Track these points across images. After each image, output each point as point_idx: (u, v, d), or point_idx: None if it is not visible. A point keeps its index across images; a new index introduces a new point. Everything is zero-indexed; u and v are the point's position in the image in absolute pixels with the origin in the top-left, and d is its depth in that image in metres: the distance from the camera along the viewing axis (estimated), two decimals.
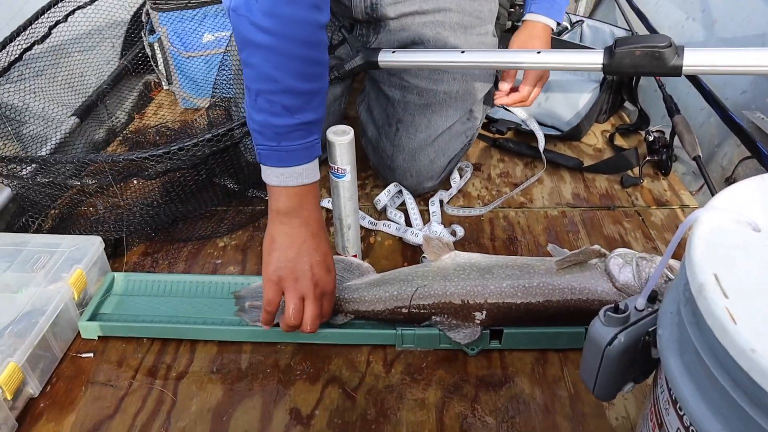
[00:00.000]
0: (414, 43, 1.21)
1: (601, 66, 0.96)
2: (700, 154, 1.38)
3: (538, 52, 1.00)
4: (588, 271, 0.95)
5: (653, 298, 0.59)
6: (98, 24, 1.77)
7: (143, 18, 1.94)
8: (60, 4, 1.58)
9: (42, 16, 1.54)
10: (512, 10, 2.18)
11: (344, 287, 1.01)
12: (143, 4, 1.92)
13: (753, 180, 0.56)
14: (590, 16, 2.23)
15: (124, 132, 1.83)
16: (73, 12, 1.63)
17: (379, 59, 1.08)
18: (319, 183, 0.91)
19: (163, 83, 1.99)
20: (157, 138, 1.72)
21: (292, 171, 0.85)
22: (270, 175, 0.86)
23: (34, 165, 1.23)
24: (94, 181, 1.22)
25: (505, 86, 1.31)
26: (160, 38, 1.86)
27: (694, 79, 1.44)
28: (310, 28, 0.80)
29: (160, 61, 1.91)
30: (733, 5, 1.68)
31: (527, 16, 1.32)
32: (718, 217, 0.51)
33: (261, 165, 0.87)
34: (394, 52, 1.08)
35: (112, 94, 1.87)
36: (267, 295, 0.88)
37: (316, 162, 0.89)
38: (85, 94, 1.78)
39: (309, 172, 0.87)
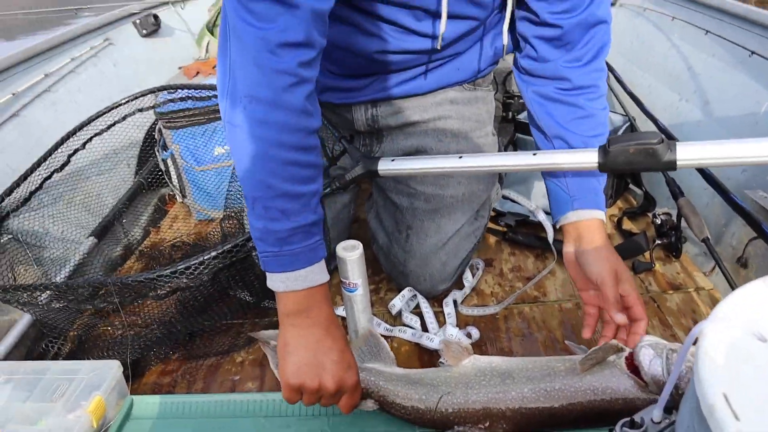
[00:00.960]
0: (417, 151, 1.25)
1: (596, 165, 0.98)
2: (709, 236, 1.38)
3: (534, 154, 1.03)
4: (608, 369, 0.93)
5: (670, 408, 0.58)
6: (114, 146, 1.85)
7: (156, 135, 2.03)
8: (78, 134, 1.66)
9: (61, 146, 1.62)
10: (511, 101, 2.26)
11: (373, 371, 1.01)
12: (155, 123, 2.01)
13: (756, 284, 0.56)
14: None
15: (140, 248, 1.87)
16: (90, 139, 1.70)
17: (379, 168, 1.12)
18: (328, 282, 0.91)
19: (177, 197, 2.05)
20: (173, 252, 1.75)
21: (297, 275, 0.85)
22: (275, 281, 0.86)
23: (49, 291, 1.26)
24: (104, 304, 1.24)
25: (619, 318, 0.98)
26: (172, 154, 1.93)
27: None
28: (301, 134, 0.84)
29: (173, 175, 1.98)
30: (724, 85, 1.73)
31: (573, 216, 1.08)
32: (723, 328, 0.51)
33: (267, 273, 0.88)
34: (393, 160, 1.11)
35: (128, 211, 1.93)
36: (286, 395, 0.87)
37: (322, 263, 0.89)
38: (101, 214, 1.84)
39: (314, 275, 0.87)
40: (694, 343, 0.53)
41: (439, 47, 1.08)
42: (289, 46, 0.80)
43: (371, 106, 1.25)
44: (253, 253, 1.22)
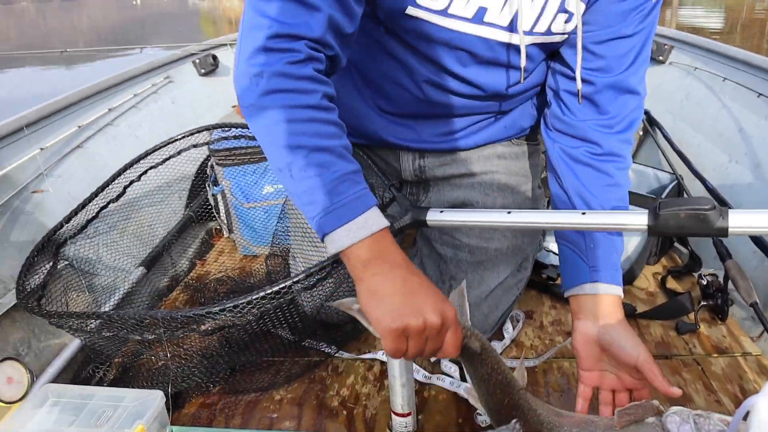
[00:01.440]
0: (463, 204, 1.27)
1: (646, 227, 0.98)
2: (757, 301, 1.35)
3: (583, 213, 1.03)
4: (644, 428, 0.92)
5: None
6: (167, 179, 1.92)
7: (208, 171, 2.10)
8: (135, 166, 1.74)
9: (119, 177, 1.69)
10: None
11: None
12: (208, 158, 2.08)
13: None
14: (633, 159, 2.29)
15: (186, 279, 1.92)
16: (146, 172, 1.78)
17: (427, 218, 1.13)
18: (390, 230, 0.86)
19: (224, 231, 2.10)
20: (218, 286, 1.79)
21: (357, 223, 0.81)
22: (338, 239, 0.81)
23: (99, 320, 1.31)
24: (153, 336, 1.27)
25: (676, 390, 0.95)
26: (223, 190, 1.99)
27: None
28: (315, 96, 0.84)
29: (222, 210, 2.04)
30: None
31: (590, 288, 1.05)
32: None
33: (326, 239, 0.83)
34: (442, 211, 1.13)
35: (176, 242, 1.99)
36: (390, 347, 0.79)
37: (377, 210, 0.84)
38: (152, 245, 1.90)
39: (374, 220, 0.82)
40: (745, 418, 0.53)
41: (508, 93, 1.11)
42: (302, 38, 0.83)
43: (419, 156, 1.27)
44: (299, 294, 1.24)
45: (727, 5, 18.88)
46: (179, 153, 1.89)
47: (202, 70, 2.64)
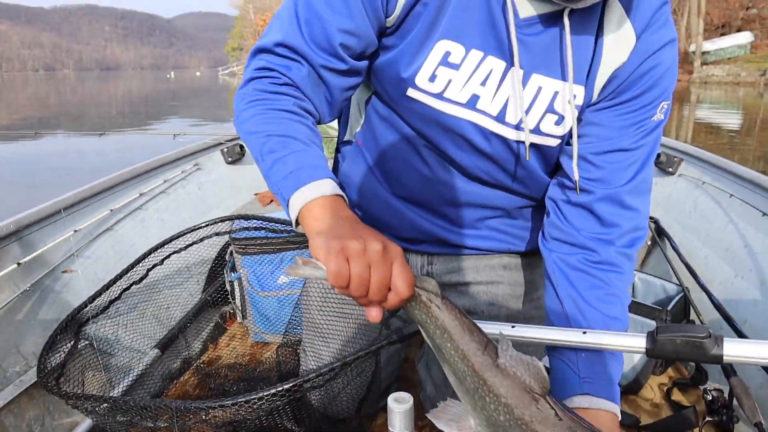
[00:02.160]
0: (469, 311, 1.32)
1: (644, 350, 1.02)
2: (762, 421, 1.36)
3: (584, 332, 1.07)
4: None
5: None
6: (188, 262, 2.00)
7: (227, 257, 2.18)
8: (159, 250, 1.82)
9: (143, 261, 1.77)
10: None
11: None
12: (228, 245, 2.16)
13: None
14: (641, 269, 2.34)
15: (198, 362, 1.96)
16: (168, 256, 1.85)
17: None
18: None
19: (238, 316, 2.15)
20: (228, 373, 1.83)
21: (311, 186, 0.84)
22: (295, 204, 0.84)
23: (106, 405, 1.34)
24: (165, 425, 1.31)
25: None
26: (240, 277, 2.06)
27: None
28: (287, 102, 0.95)
29: (237, 296, 2.10)
30: None
31: (582, 401, 0.98)
32: None
33: (289, 207, 0.85)
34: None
35: (191, 325, 2.04)
36: (333, 267, 0.75)
37: (333, 182, 0.86)
38: (168, 327, 1.96)
39: (328, 187, 0.84)
40: None
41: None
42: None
43: (428, 262, 1.33)
44: (308, 393, 1.28)
45: (745, 104, 19.26)
46: (201, 240, 1.97)
47: (229, 159, 2.77)
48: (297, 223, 0.84)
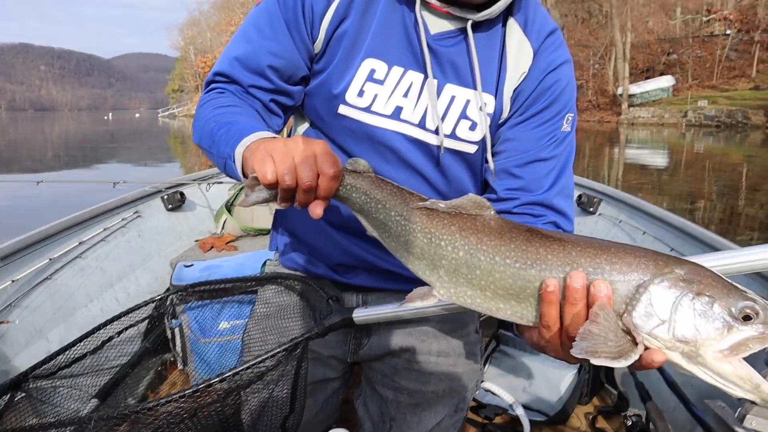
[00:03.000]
0: (400, 349, 1.39)
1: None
2: None
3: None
4: None
5: None
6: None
7: (167, 303, 2.19)
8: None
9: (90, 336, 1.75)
10: None
11: None
12: (168, 289, 2.18)
13: None
14: None
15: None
16: (110, 339, 1.85)
17: (354, 315, 1.22)
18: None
19: (179, 364, 2.16)
20: (169, 418, 1.83)
21: (250, 137, 0.91)
22: (239, 153, 0.91)
23: None
24: None
25: None
26: (181, 324, 2.08)
27: (660, 368, 1.60)
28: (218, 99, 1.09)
29: (178, 343, 2.11)
30: None
31: None
32: None
33: (235, 161, 0.92)
34: (366, 308, 1.23)
35: (131, 374, 2.04)
36: (258, 166, 0.82)
37: (269, 131, 0.94)
38: (108, 376, 1.95)
39: (264, 132, 0.92)
40: None
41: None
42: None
43: (362, 300, 1.39)
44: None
45: (669, 144, 20.30)
46: (144, 320, 1.96)
47: (170, 206, 2.79)
48: (244, 174, 0.91)
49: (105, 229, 2.33)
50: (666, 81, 32.96)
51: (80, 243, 2.16)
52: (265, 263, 2.35)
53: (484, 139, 1.13)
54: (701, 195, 9.46)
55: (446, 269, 0.85)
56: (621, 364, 0.69)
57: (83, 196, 2.43)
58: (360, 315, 1.21)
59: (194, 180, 3.03)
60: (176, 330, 2.10)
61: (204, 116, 1.08)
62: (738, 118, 26.67)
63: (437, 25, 1.08)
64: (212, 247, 2.63)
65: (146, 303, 1.85)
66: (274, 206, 0.90)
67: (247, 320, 1.64)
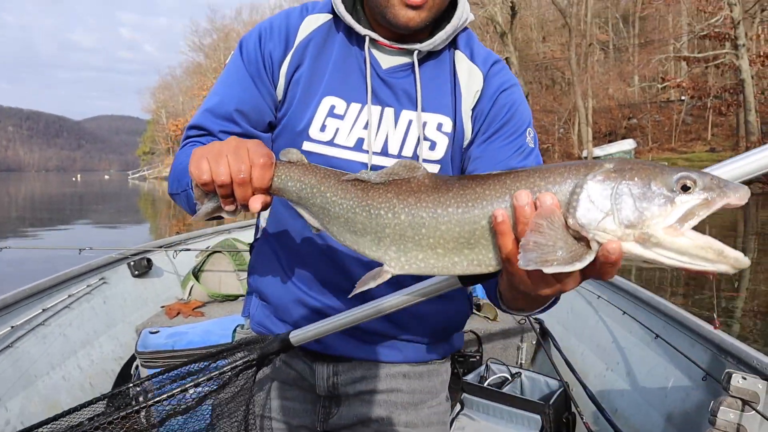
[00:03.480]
0: (369, 419, 1.37)
1: None
2: None
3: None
4: None
5: None
6: (91, 379, 2.00)
7: (132, 371, 2.19)
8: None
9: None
10: (461, 359, 2.49)
11: None
12: (133, 358, 2.18)
13: None
14: (529, 367, 2.53)
15: None
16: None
17: (290, 337, 1.22)
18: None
19: None
20: None
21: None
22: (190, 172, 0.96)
23: None
24: None
25: None
26: (145, 390, 2.07)
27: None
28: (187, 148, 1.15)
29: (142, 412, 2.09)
30: (640, 360, 2.00)
31: None
32: None
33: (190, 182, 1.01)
34: (303, 328, 1.22)
35: None
36: (193, 169, 0.88)
37: None
38: None
39: None
40: None
41: None
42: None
43: (333, 371, 1.38)
44: None
45: None
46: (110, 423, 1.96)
47: (136, 272, 2.81)
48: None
49: (70, 296, 2.33)
50: (628, 144, 34.06)
51: (44, 310, 2.16)
52: (235, 330, 2.35)
53: (446, 157, 1.19)
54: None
55: (392, 238, 0.85)
56: (576, 267, 0.69)
57: (48, 261, 2.43)
58: (297, 335, 1.21)
59: (161, 246, 3.06)
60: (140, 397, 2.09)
61: (174, 166, 1.16)
62: None
63: (388, 60, 1.20)
64: (179, 313, 2.63)
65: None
66: (225, 215, 0.95)
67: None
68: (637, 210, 0.69)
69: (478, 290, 3.16)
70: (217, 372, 1.24)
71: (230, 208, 0.92)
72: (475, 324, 2.58)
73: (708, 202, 0.69)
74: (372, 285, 0.86)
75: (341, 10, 1.20)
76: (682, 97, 34.03)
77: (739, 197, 0.71)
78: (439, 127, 1.20)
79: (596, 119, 36.65)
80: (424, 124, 1.20)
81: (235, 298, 3.02)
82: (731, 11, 26.71)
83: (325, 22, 1.24)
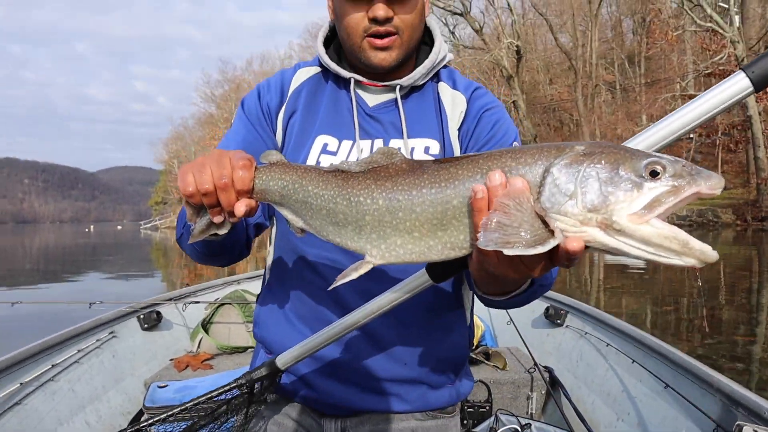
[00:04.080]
0: None
1: None
2: None
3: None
4: None
5: None
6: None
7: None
8: None
9: None
10: (471, 409, 2.46)
11: None
12: (141, 413, 2.18)
13: None
14: (540, 418, 2.50)
15: None
16: None
17: (278, 361, 1.23)
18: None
19: None
20: None
21: None
22: None
23: None
24: None
25: None
26: None
27: None
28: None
29: None
30: (650, 410, 1.97)
31: None
32: None
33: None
34: (287, 352, 1.22)
35: None
36: (180, 181, 0.93)
37: None
38: None
39: None
40: None
41: None
42: None
43: (341, 426, 1.39)
44: None
45: None
46: None
47: (146, 325, 2.82)
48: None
49: (79, 351, 2.34)
50: None
51: (53, 366, 2.17)
52: None
53: None
54: (682, 295, 9.57)
55: (372, 225, 0.84)
56: (537, 251, 0.67)
57: (59, 314, 2.46)
58: (285, 357, 1.21)
59: (171, 299, 3.08)
60: None
61: (179, 213, 1.21)
62: (708, 216, 27.46)
63: (374, 99, 1.30)
64: (187, 366, 2.63)
65: None
66: (221, 231, 0.97)
67: None
68: (602, 194, 0.67)
69: (487, 338, 3.14)
70: (211, 403, 1.27)
71: (218, 219, 0.95)
72: (484, 373, 2.56)
73: (676, 188, 0.66)
74: (354, 276, 0.86)
75: (326, 59, 1.32)
76: (691, 135, 34.13)
77: (710, 186, 0.67)
78: (426, 150, 1.27)
79: None
80: (412, 149, 1.27)
81: (244, 350, 3.02)
82: (734, 49, 27.02)
83: (315, 73, 1.36)
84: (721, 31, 26.91)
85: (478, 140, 1.28)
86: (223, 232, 1.00)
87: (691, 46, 34.96)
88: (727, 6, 27.33)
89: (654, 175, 0.66)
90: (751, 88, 0.82)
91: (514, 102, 36.22)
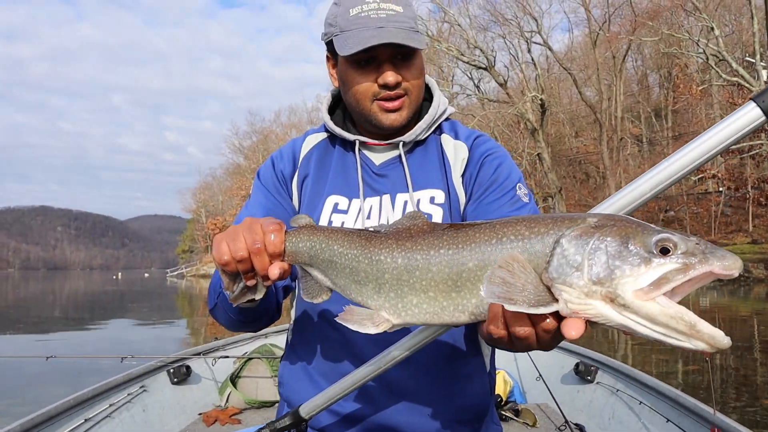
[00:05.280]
0: None
1: None
2: None
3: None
4: None
5: None
6: None
7: None
8: None
9: None
10: None
11: None
12: None
13: None
14: None
15: None
16: None
17: (301, 411, 1.23)
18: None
19: None
20: None
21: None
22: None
23: None
24: None
25: None
26: None
27: None
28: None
29: None
30: None
31: None
32: None
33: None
34: (311, 401, 1.22)
35: None
36: (214, 253, 0.97)
37: None
38: None
39: None
40: None
41: None
42: None
43: None
44: None
45: None
46: None
47: (175, 379, 2.85)
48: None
49: (111, 405, 2.37)
50: None
51: (86, 420, 2.20)
52: None
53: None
54: (714, 355, 9.28)
55: (390, 284, 0.86)
56: (540, 311, 0.67)
57: (92, 364, 2.50)
58: (308, 406, 1.22)
59: (200, 353, 3.11)
60: None
61: (210, 283, 1.26)
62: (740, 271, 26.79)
63: (380, 157, 1.36)
64: (216, 421, 2.65)
65: None
66: (257, 296, 1.01)
67: None
68: (609, 267, 0.65)
69: (516, 394, 3.10)
70: None
71: (251, 282, 1.01)
72: (513, 431, 2.52)
73: (687, 266, 0.64)
74: (371, 330, 0.88)
75: (331, 125, 1.39)
76: (720, 189, 33.78)
77: (724, 266, 0.65)
78: (432, 200, 1.32)
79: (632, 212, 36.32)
80: (418, 201, 1.32)
81: (272, 404, 3.02)
82: None
83: (323, 139, 1.43)
84: (747, 85, 26.87)
85: (482, 184, 1.32)
86: (259, 296, 1.05)
87: (717, 100, 34.90)
88: (753, 60, 27.35)
89: (664, 251, 0.65)
90: (763, 118, 0.82)
91: (539, 155, 36.28)
